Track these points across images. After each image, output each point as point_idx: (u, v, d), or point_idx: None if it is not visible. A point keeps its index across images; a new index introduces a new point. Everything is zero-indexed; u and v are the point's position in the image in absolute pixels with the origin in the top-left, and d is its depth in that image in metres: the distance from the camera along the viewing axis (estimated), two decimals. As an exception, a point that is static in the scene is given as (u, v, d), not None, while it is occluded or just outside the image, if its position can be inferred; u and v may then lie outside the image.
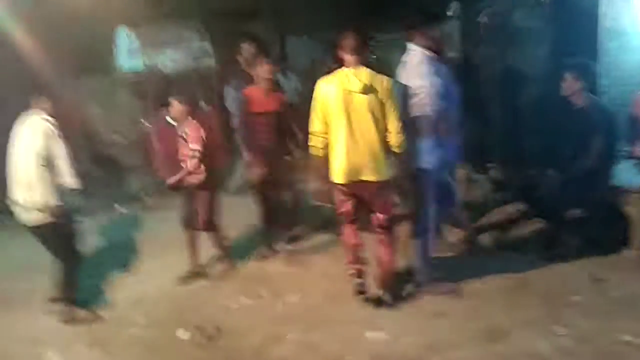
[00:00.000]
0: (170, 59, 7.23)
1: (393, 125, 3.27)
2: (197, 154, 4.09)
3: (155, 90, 7.27)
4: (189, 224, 4.38)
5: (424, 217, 3.59)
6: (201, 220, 4.34)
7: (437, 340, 3.21)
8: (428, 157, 3.45)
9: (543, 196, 4.10)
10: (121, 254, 5.18)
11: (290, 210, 4.87)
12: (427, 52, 3.42)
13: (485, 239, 4.46)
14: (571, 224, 4.04)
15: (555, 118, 4.17)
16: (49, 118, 3.75)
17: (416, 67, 3.40)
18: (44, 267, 3.99)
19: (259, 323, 3.63)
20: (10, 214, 3.85)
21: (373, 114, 3.23)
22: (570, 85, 3.89)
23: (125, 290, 4.35)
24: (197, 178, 4.22)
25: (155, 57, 7.11)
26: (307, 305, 3.80)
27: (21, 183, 3.68)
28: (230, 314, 3.82)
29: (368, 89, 3.22)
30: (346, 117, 3.26)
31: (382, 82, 3.25)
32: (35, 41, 6.81)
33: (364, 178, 3.35)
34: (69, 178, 3.73)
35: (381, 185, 3.39)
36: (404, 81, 3.44)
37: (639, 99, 4.00)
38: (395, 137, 3.28)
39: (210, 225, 4.36)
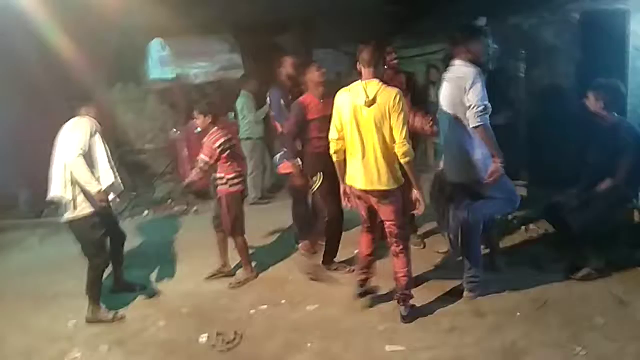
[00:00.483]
0: (201, 70, 7.41)
1: (398, 136, 3.32)
2: (202, 164, 4.27)
3: (185, 99, 7.46)
4: (219, 226, 4.54)
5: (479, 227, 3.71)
6: (225, 226, 4.46)
7: (455, 356, 3.20)
8: (486, 168, 3.54)
9: (568, 215, 4.06)
10: (146, 256, 5.32)
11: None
12: (477, 67, 3.51)
13: (508, 256, 4.42)
14: (596, 244, 3.98)
15: (582, 137, 4.14)
16: (96, 121, 3.99)
17: (472, 81, 3.44)
18: (71, 267, 4.13)
19: (278, 330, 3.68)
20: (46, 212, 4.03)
21: (378, 125, 3.32)
22: (592, 104, 3.87)
23: (147, 291, 4.46)
24: (228, 184, 4.37)
25: (187, 67, 7.29)
26: (326, 315, 3.83)
27: (59, 180, 3.86)
28: (250, 320, 3.87)
29: (373, 102, 3.32)
30: (355, 127, 3.40)
31: (389, 95, 3.32)
32: (75, 49, 7.12)
33: (370, 187, 3.46)
34: (111, 178, 3.96)
35: (388, 195, 3.45)
36: (455, 96, 3.52)
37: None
38: (400, 148, 3.32)
39: (234, 231, 4.46)
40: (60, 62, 6.93)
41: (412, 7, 9.68)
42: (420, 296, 3.84)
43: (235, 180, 4.38)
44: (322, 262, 4.48)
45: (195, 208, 6.99)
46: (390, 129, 3.32)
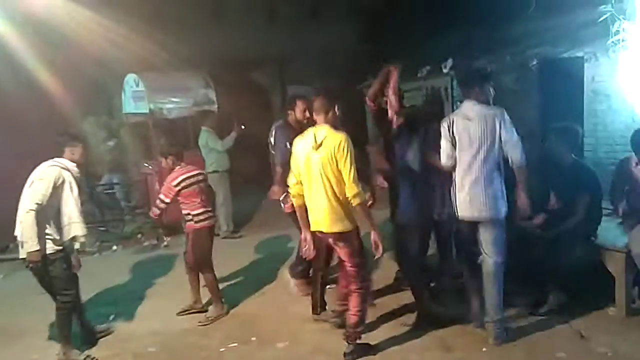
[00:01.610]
0: (175, 105, 7.48)
1: (347, 179, 3.39)
2: (159, 202, 4.37)
3: (158, 134, 7.48)
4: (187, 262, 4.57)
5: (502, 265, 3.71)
6: (191, 261, 4.49)
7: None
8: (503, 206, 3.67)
9: (529, 253, 4.19)
10: (114, 293, 5.24)
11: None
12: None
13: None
14: (558, 280, 4.12)
15: (544, 178, 4.31)
16: (71, 166, 3.87)
17: (507, 119, 3.61)
18: (37, 304, 4.04)
19: (247, 368, 3.66)
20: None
21: (325, 169, 3.42)
22: (552, 146, 4.07)
23: (116, 332, 4.38)
24: (197, 219, 4.40)
25: (161, 102, 7.35)
26: (296, 353, 3.83)
27: (19, 219, 3.76)
28: (221, 357, 3.84)
29: (320, 146, 3.43)
30: (306, 172, 3.51)
31: (334, 140, 3.42)
32: (52, 79, 7.17)
33: (324, 230, 3.53)
34: (77, 230, 3.82)
35: (341, 238, 3.53)
36: (486, 134, 3.61)
37: (621, 163, 4.16)
38: (349, 191, 3.40)
39: (201, 267, 4.47)
40: (39, 92, 6.94)
41: (385, 46, 10.06)
42: (388, 330, 3.91)
43: (202, 217, 4.41)
44: (312, 312, 4.31)
45: (165, 243, 6.93)
46: (340, 172, 3.40)
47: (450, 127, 3.72)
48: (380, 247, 3.52)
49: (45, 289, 3.87)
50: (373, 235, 3.49)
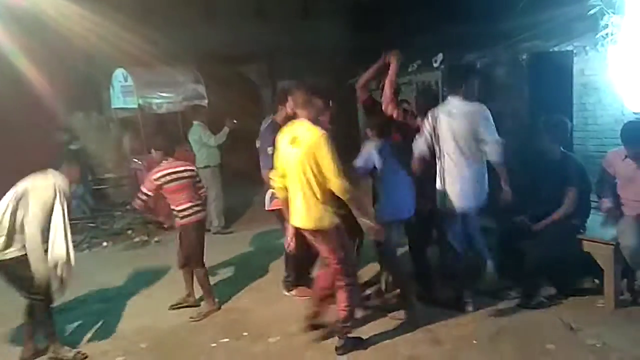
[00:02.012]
0: (165, 100, 7.42)
1: (330, 174, 3.33)
2: (140, 194, 4.38)
3: (147, 129, 7.44)
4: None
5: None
6: (181, 256, 4.48)
7: (413, 386, 3.25)
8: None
9: (520, 245, 4.21)
10: (104, 290, 5.21)
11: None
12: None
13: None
14: (547, 273, 4.15)
15: (533, 171, 4.33)
16: (64, 187, 3.77)
17: (487, 117, 3.82)
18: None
19: (238, 364, 3.65)
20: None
21: (303, 164, 3.35)
22: (542, 138, 4.10)
23: (106, 326, 4.36)
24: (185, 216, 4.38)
25: (150, 97, 7.29)
26: (288, 347, 3.83)
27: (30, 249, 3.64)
28: (211, 354, 3.83)
29: (299, 141, 3.37)
30: (287, 167, 3.48)
31: (312, 135, 3.35)
32: (41, 72, 7.09)
33: (301, 225, 3.50)
34: (62, 249, 3.69)
35: (318, 234, 3.48)
36: (468, 131, 3.79)
37: (609, 156, 4.18)
38: (334, 185, 3.35)
39: (190, 263, 4.45)
40: (26, 88, 6.87)
41: (374, 41, 10.05)
42: (379, 325, 3.93)
43: (187, 212, 4.38)
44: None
45: (156, 239, 6.90)
46: (318, 168, 3.33)
47: (433, 122, 3.90)
48: (377, 228, 3.57)
49: (17, 289, 3.76)
50: (368, 222, 3.55)
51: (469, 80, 3.90)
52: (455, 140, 3.83)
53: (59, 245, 3.67)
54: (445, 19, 8.33)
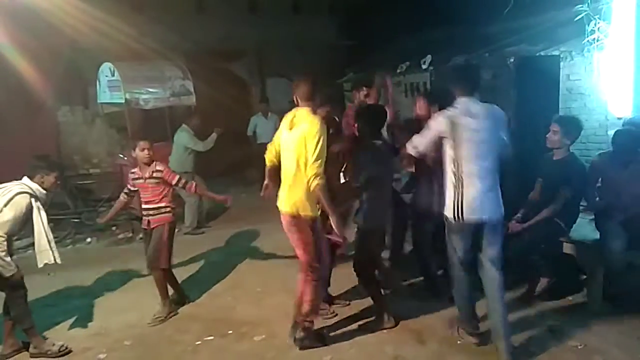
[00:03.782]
0: (152, 95, 7.34)
1: (311, 160, 3.36)
2: (125, 189, 4.52)
3: (133, 124, 7.36)
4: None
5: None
6: (151, 258, 4.38)
7: (398, 385, 3.27)
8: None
9: (507, 241, 4.23)
10: (87, 286, 5.15)
11: None
12: None
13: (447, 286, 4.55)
14: (527, 272, 4.21)
15: (523, 171, 4.36)
16: (40, 194, 3.75)
17: (506, 120, 3.54)
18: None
19: (223, 362, 3.63)
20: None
21: (294, 149, 3.45)
22: (553, 135, 4.06)
23: (89, 323, 4.33)
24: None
25: (137, 92, 7.20)
26: (272, 346, 3.82)
27: None
28: (196, 352, 3.81)
29: (295, 127, 3.48)
30: (281, 151, 3.62)
31: (309, 122, 3.42)
32: (28, 60, 6.98)
33: (281, 208, 3.58)
34: (48, 257, 3.71)
35: (294, 221, 3.51)
36: (492, 131, 3.42)
37: (594, 161, 4.24)
38: (310, 170, 3.37)
39: (152, 263, 4.38)
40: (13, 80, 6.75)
41: (363, 41, 10.09)
42: (364, 323, 3.95)
43: (151, 212, 4.38)
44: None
45: (141, 235, 6.81)
46: (307, 154, 3.37)
47: (449, 125, 3.41)
48: (342, 235, 3.54)
49: None
50: (333, 224, 3.43)
51: (480, 81, 3.67)
52: (478, 144, 3.38)
53: (45, 252, 3.72)
54: (433, 21, 8.39)
